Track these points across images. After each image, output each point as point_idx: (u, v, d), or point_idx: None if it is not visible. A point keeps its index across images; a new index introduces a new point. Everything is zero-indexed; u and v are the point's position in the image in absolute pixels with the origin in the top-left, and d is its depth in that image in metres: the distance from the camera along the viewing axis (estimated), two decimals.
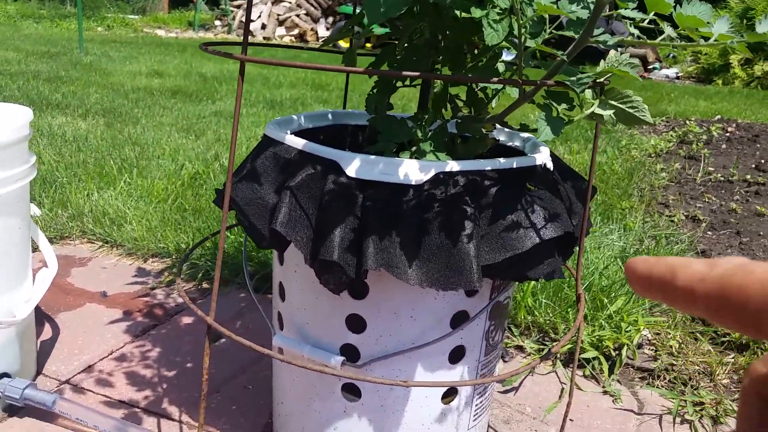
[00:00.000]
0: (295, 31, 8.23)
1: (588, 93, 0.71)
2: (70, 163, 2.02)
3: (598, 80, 0.70)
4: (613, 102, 0.71)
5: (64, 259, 1.44)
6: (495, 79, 0.61)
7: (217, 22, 9.06)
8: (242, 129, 2.73)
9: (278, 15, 8.21)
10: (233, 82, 4.08)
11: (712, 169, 2.68)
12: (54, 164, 2.00)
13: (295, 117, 0.91)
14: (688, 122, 3.61)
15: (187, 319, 1.20)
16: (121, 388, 0.99)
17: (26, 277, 0.96)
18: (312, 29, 8.24)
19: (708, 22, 0.57)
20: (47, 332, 1.14)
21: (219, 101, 3.42)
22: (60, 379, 1.00)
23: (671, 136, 3.26)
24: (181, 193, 1.76)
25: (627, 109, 0.71)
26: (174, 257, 1.44)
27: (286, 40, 8.11)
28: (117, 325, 1.17)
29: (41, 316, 1.18)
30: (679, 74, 6.93)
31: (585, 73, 0.68)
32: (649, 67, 6.96)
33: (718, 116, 4.02)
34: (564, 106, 0.70)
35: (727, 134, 3.47)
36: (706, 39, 0.56)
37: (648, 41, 0.59)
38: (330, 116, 0.98)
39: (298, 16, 8.24)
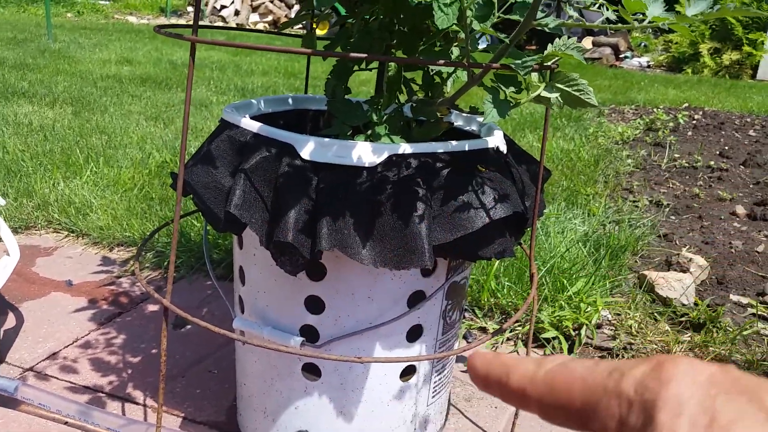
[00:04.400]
0: (269, 18, 8.15)
1: (535, 76, 0.72)
2: (36, 153, 2.00)
3: (545, 64, 0.72)
4: (559, 85, 0.73)
5: (29, 249, 1.43)
6: (441, 61, 0.63)
7: (190, 8, 8.93)
8: (212, 118, 2.72)
9: (252, 1, 8.13)
10: (204, 70, 4.04)
11: (678, 155, 2.74)
12: (19, 154, 1.97)
13: (254, 101, 0.92)
14: (656, 110, 3.67)
15: (152, 307, 1.20)
16: (86, 374, 0.99)
17: None
18: (286, 16, 8.17)
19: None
20: (11, 321, 1.13)
21: None
22: (23, 366, 1.00)
23: (639, 123, 3.32)
24: (148, 182, 1.76)
25: (573, 91, 0.73)
26: (140, 246, 1.43)
27: (260, 26, 8.03)
28: (82, 314, 1.17)
29: (5, 305, 1.18)
30: (650, 63, 7.03)
31: (532, 57, 0.69)
32: (621, 55, 7.04)
33: (686, 104, 4.10)
34: (512, 89, 0.72)
35: (694, 122, 3.55)
36: (641, 21, 0.58)
37: (586, 24, 0.61)
38: (290, 101, 0.99)
39: (272, 2, 8.16)
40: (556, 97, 0.74)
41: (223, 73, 3.98)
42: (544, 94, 0.72)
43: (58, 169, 1.84)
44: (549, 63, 0.73)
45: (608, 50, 6.96)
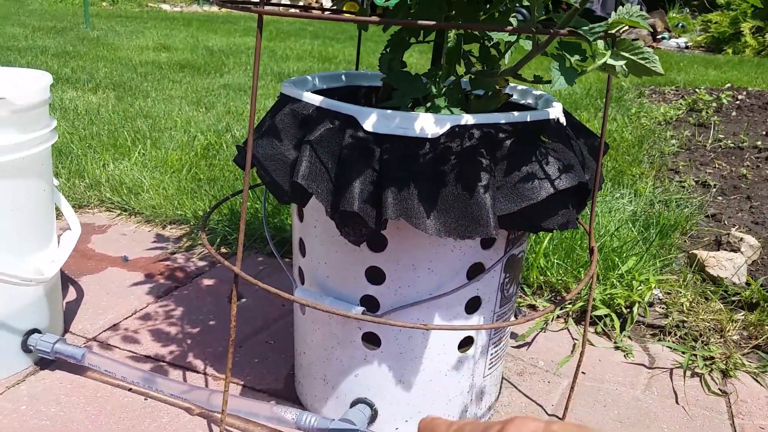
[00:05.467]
0: (300, 3, 8.16)
1: (600, 44, 0.72)
2: (83, 136, 2.05)
3: (609, 32, 0.71)
4: (624, 53, 0.72)
5: (84, 226, 1.47)
6: (509, 28, 0.62)
7: None
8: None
9: None
10: (240, 56, 4.07)
11: (722, 136, 2.67)
12: (68, 136, 2.03)
13: (309, 77, 0.93)
14: (697, 91, 3.58)
15: (208, 281, 1.23)
16: (147, 344, 1.02)
17: (52, 238, 0.99)
18: (317, 1, 8.17)
19: None
20: (72, 294, 1.17)
21: (227, 74, 3.42)
22: (87, 336, 1.04)
23: (681, 104, 3.24)
24: (195, 164, 1.79)
25: (638, 60, 0.72)
26: (192, 224, 1.46)
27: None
28: (139, 287, 1.20)
29: (65, 279, 1.22)
30: (689, 44, 6.85)
31: (599, 24, 0.69)
32: (658, 36, 6.87)
33: (728, 84, 3.99)
34: (576, 57, 0.71)
35: (738, 102, 3.45)
36: None
37: None
38: (343, 77, 1.00)
39: None
40: (622, 66, 0.73)
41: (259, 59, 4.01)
42: (610, 61, 0.72)
43: (106, 150, 1.88)
44: (612, 31, 0.72)
45: (645, 31, 6.80)
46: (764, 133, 2.79)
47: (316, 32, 5.82)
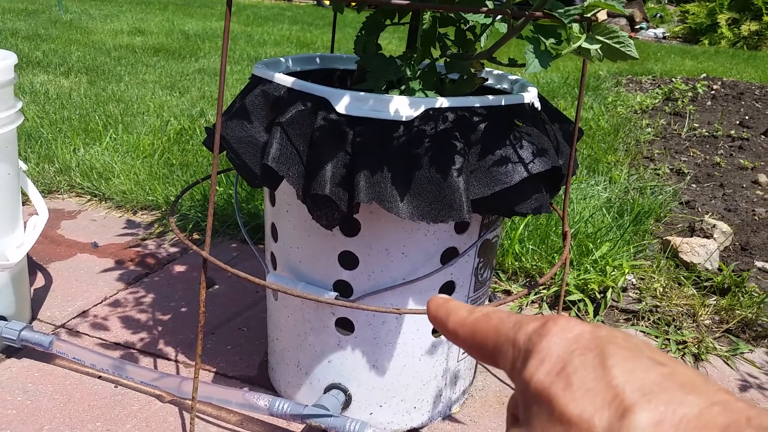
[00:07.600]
0: None
1: (575, 28, 0.71)
2: (54, 120, 2.00)
3: (584, 15, 0.70)
4: (599, 37, 0.72)
5: (53, 212, 1.44)
6: (484, 9, 0.62)
7: None
8: (227, 87, 2.71)
9: None
10: (216, 40, 4.01)
11: (697, 125, 2.70)
12: (38, 120, 1.97)
13: (282, 59, 0.91)
14: (674, 80, 3.62)
15: (179, 267, 1.21)
16: (117, 331, 1.00)
17: (17, 223, 0.96)
18: None
19: None
20: (40, 281, 1.14)
21: (202, 59, 3.37)
22: (55, 323, 1.02)
23: (657, 93, 3.27)
24: (168, 149, 1.76)
25: (613, 44, 0.72)
26: (164, 209, 1.44)
27: (269, 2, 7.93)
28: (109, 274, 1.18)
29: (33, 265, 1.19)
30: (666, 34, 6.91)
31: (574, 6, 0.68)
32: (636, 27, 6.92)
33: (704, 75, 4.03)
34: (552, 40, 0.70)
35: (713, 92, 3.49)
36: None
37: None
38: (318, 60, 0.98)
39: None
40: (596, 49, 0.72)
41: (236, 44, 3.95)
42: (585, 45, 0.71)
43: (77, 135, 1.84)
44: (588, 15, 0.72)
45: (623, 21, 6.84)
46: (738, 122, 2.82)
47: (294, 17, 5.75)
